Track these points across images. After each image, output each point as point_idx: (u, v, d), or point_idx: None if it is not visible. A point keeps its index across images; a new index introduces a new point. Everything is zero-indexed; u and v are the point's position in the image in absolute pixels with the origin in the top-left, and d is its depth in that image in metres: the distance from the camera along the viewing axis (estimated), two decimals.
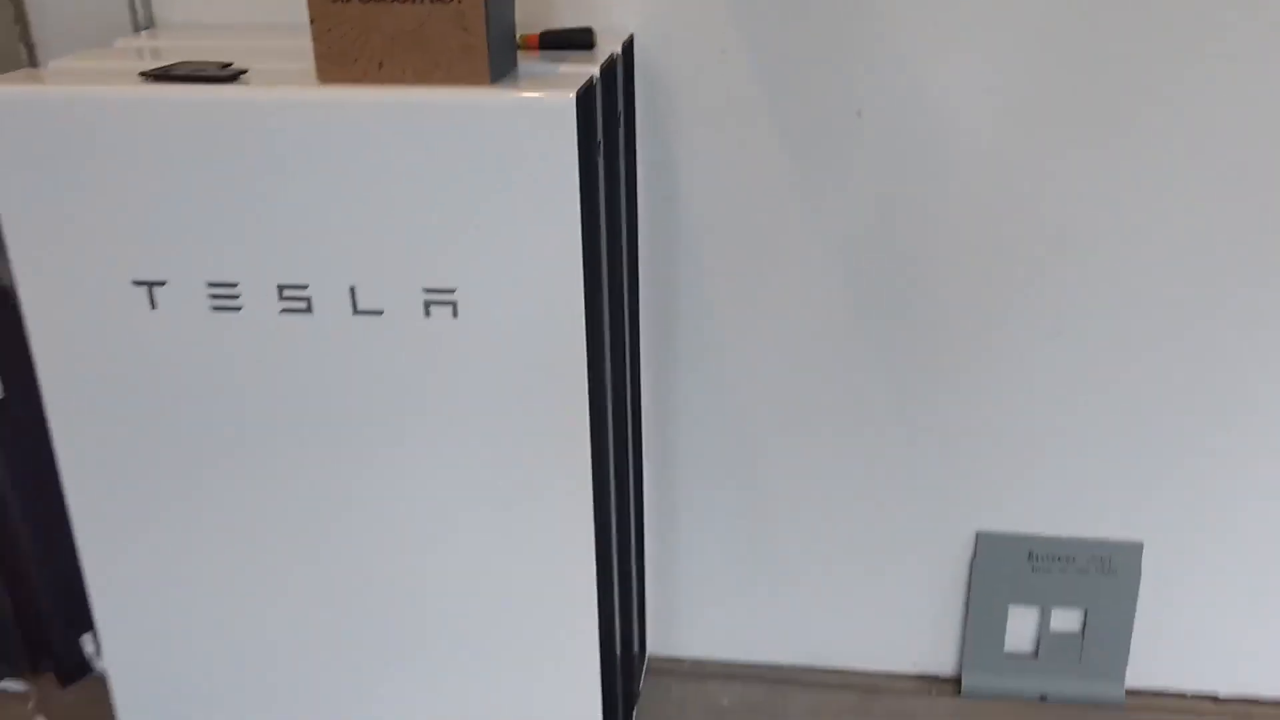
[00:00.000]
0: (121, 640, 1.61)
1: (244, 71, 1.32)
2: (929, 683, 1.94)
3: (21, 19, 1.67)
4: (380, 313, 1.33)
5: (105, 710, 1.76)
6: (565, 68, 1.34)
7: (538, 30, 1.47)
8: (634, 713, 1.86)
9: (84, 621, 1.96)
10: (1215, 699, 1.89)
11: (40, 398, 1.84)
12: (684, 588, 1.95)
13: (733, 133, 1.61)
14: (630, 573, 1.78)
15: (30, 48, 1.68)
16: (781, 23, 1.55)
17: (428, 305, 1.33)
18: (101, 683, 1.90)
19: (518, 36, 1.40)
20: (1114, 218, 1.60)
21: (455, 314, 1.32)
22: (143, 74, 1.31)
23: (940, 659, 1.94)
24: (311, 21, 1.24)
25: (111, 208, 1.32)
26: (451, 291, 1.32)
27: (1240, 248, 1.61)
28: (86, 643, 1.98)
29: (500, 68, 1.27)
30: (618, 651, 1.64)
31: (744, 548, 1.90)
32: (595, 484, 1.41)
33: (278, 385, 1.39)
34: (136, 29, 1.65)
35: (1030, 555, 1.84)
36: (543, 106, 1.22)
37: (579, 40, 1.45)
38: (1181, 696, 1.89)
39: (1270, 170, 1.56)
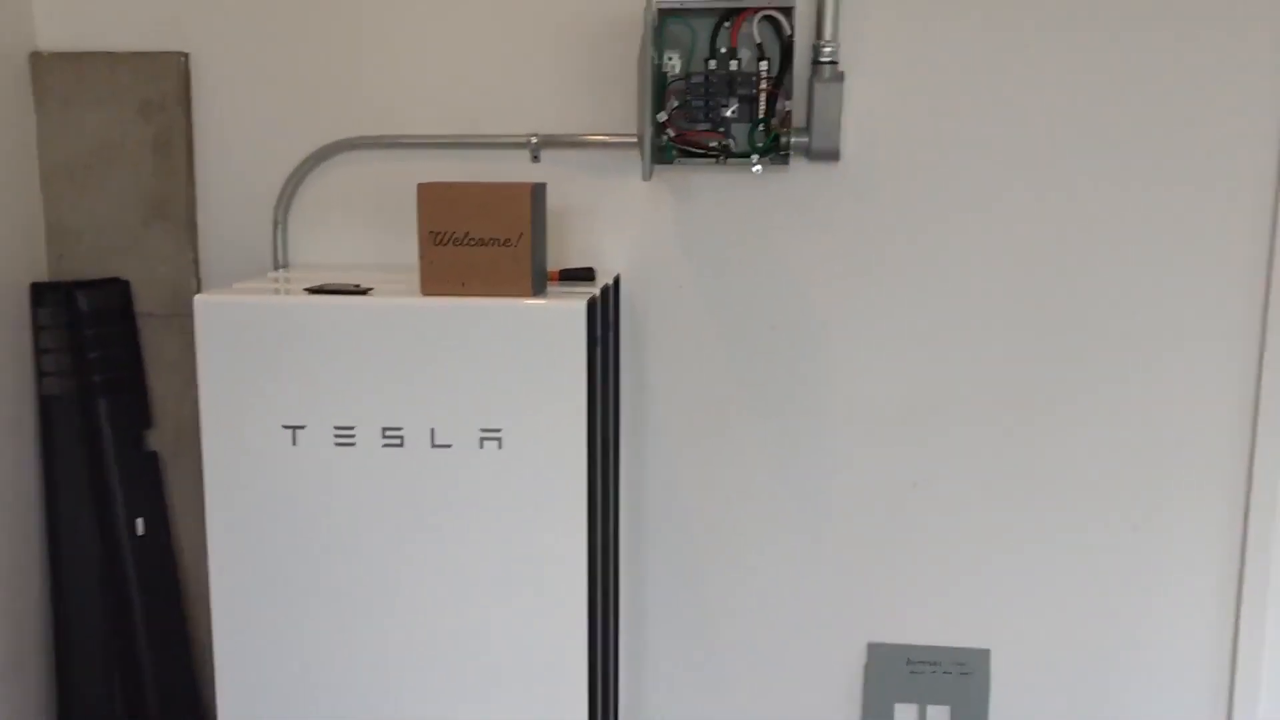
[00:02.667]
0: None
1: (371, 288, 2.05)
2: None
3: (195, 259, 2.41)
4: (450, 446, 2.01)
5: None
6: (578, 289, 2.07)
7: (559, 268, 2.22)
8: None
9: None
10: None
11: (168, 534, 2.48)
12: (648, 691, 2.54)
13: (685, 340, 2.37)
14: (610, 665, 2.38)
15: (199, 279, 2.43)
16: (719, 270, 2.33)
17: (482, 440, 2.01)
18: None
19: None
20: (950, 378, 2.33)
21: (500, 446, 2.00)
22: (306, 289, 2.04)
23: None
24: (421, 256, 1.98)
25: (274, 375, 2.01)
26: (499, 431, 2.00)
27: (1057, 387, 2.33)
28: None
29: (538, 287, 2.01)
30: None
31: (695, 659, 2.51)
32: (589, 585, 2.05)
33: (380, 496, 2.04)
34: (276, 267, 2.40)
35: (908, 661, 2.45)
36: (566, 310, 1.96)
37: (585, 275, 2.20)
38: None
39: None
